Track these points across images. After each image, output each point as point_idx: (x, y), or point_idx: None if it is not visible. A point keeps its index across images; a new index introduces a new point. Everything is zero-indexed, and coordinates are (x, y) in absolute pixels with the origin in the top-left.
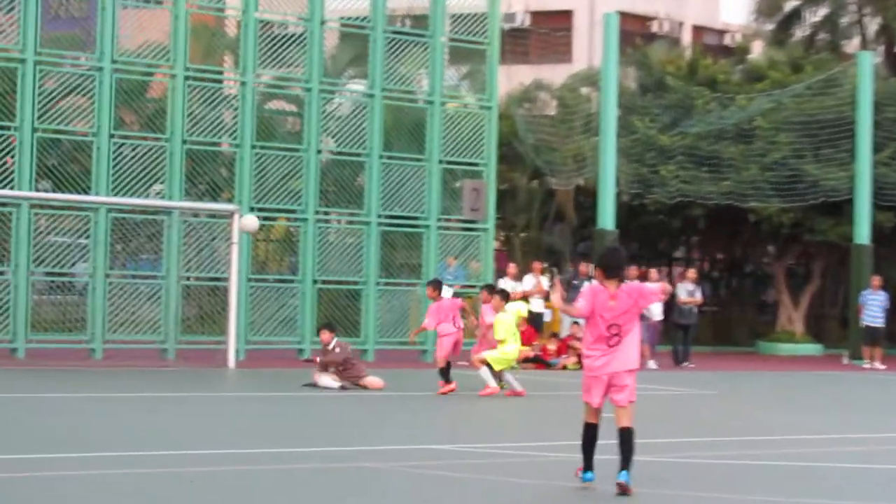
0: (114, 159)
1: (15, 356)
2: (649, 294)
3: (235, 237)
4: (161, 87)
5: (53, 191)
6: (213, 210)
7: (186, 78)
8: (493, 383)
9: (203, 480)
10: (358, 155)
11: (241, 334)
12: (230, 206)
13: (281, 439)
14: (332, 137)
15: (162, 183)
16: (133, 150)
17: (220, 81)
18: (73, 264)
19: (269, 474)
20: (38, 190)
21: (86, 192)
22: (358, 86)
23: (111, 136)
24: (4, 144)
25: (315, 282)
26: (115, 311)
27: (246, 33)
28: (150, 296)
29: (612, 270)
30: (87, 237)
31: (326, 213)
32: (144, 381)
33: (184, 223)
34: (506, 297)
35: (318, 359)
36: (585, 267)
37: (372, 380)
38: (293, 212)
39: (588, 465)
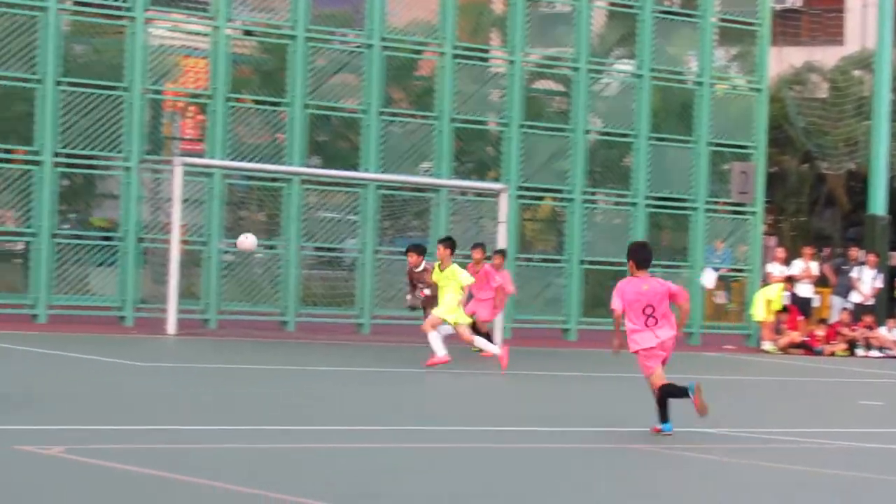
0: (382, 137)
1: (285, 329)
2: (674, 292)
3: (503, 216)
4: (429, 65)
5: (323, 167)
6: (481, 189)
7: (455, 56)
8: (441, 352)
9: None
10: (625, 136)
11: (508, 313)
12: (497, 185)
13: (545, 417)
14: (599, 118)
15: (430, 161)
16: (402, 127)
17: (487, 60)
18: (343, 240)
19: (534, 452)
20: (308, 166)
21: (355, 169)
22: (626, 66)
23: (380, 113)
24: (276, 121)
25: (581, 262)
26: (382, 286)
27: (514, 11)
28: None
29: (643, 262)
30: (357, 213)
31: (593, 194)
32: (412, 356)
33: (451, 201)
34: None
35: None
36: (856, 252)
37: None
38: (559, 192)
39: (665, 418)
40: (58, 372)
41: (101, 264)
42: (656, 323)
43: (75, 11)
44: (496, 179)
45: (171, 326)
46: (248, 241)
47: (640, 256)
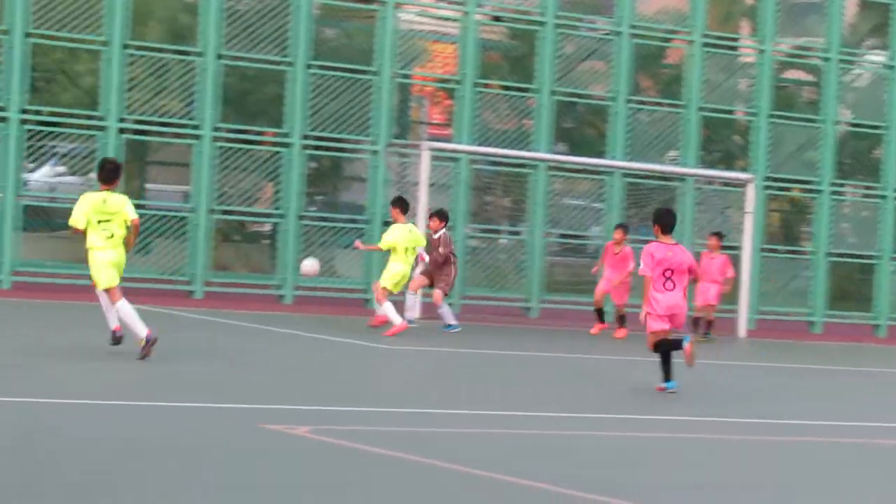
0: (629, 124)
1: (528, 315)
2: (693, 267)
3: (750, 206)
4: (678, 53)
5: (569, 154)
6: (727, 178)
7: (704, 45)
8: (397, 319)
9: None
10: (876, 128)
11: (753, 304)
12: (744, 175)
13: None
14: (849, 109)
15: (676, 149)
16: (649, 115)
17: (736, 49)
18: (587, 227)
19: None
20: (554, 152)
21: (601, 157)
22: (878, 57)
23: (627, 101)
24: (523, 107)
25: (828, 254)
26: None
27: (765, 0)
28: None
29: (668, 227)
30: (602, 201)
31: (841, 185)
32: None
33: (697, 190)
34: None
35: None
36: None
37: (438, 293)
38: (807, 183)
39: (669, 376)
40: (303, 353)
41: (346, 246)
42: (674, 287)
43: None
44: (743, 169)
45: (414, 311)
46: (311, 266)
47: (667, 221)
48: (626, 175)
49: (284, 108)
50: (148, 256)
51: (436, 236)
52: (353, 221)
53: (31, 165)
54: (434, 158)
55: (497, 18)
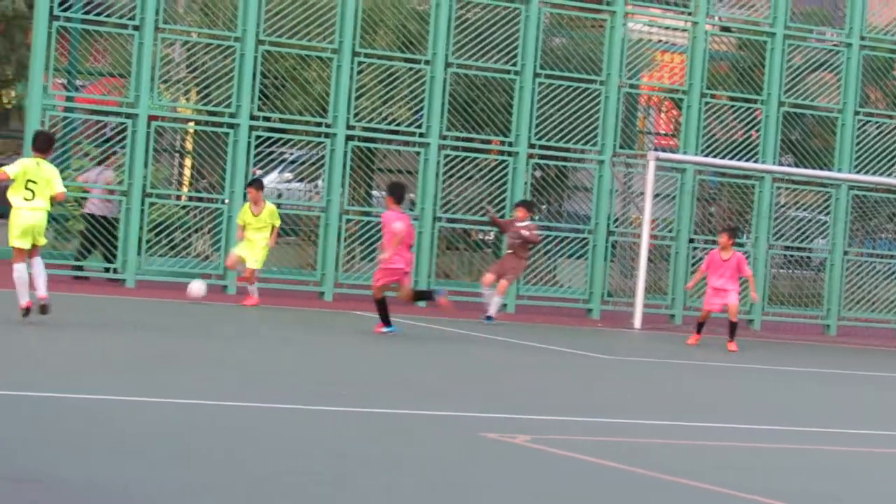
0: (857, 136)
1: (750, 327)
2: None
3: None
4: None
5: (796, 165)
6: None
7: None
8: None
9: None
10: None
11: None
12: None
13: None
14: None
15: None
16: (878, 128)
17: None
18: (812, 240)
19: None
20: (780, 164)
21: (828, 169)
22: None
23: (856, 112)
24: (751, 118)
25: None
26: (851, 288)
27: None
28: (888, 275)
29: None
30: (828, 213)
31: None
32: (877, 360)
33: None
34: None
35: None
36: None
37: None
38: None
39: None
40: (523, 361)
41: (570, 256)
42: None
43: (555, 4)
44: None
45: (637, 321)
46: (198, 289)
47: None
48: (852, 188)
49: (511, 117)
50: (373, 264)
51: (520, 225)
52: (577, 231)
53: (259, 172)
54: (659, 168)
55: (726, 29)
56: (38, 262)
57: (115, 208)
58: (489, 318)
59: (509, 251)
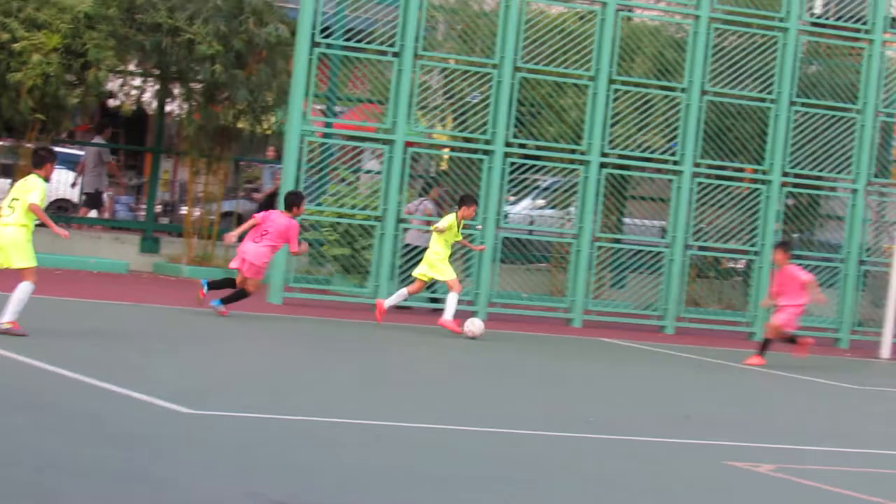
0: None
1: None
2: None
3: None
4: None
5: None
6: None
7: None
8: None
9: None
10: None
11: None
12: None
13: None
14: None
15: None
16: None
17: None
18: None
19: None
20: None
21: None
22: None
23: None
24: None
25: None
26: None
27: None
28: None
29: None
30: None
31: None
32: None
33: None
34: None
35: None
36: None
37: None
38: None
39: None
40: (767, 391)
41: (821, 285)
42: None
43: (814, 32)
44: None
45: (886, 350)
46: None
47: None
48: None
49: (765, 145)
50: (622, 291)
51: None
52: (828, 260)
53: (513, 198)
54: None
55: None
56: (18, 287)
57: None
58: None
59: None
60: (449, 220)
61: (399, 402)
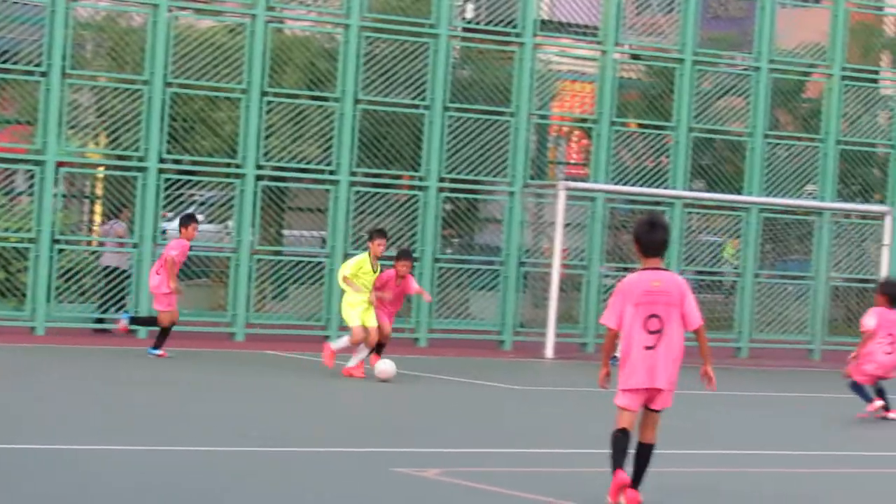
0: (767, 159)
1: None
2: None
3: (887, 239)
4: (817, 87)
5: (707, 190)
6: (865, 211)
7: (843, 78)
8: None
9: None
10: None
11: None
12: (882, 208)
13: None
14: None
15: (814, 184)
16: (787, 150)
17: (876, 81)
18: (723, 263)
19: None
20: (691, 189)
21: (738, 192)
22: None
23: (765, 136)
24: (660, 145)
25: None
26: (762, 310)
27: None
28: (798, 296)
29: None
30: (738, 237)
31: None
32: (790, 382)
33: (834, 224)
34: None
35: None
36: None
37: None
38: None
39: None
40: (435, 395)
41: (482, 288)
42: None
43: (465, 38)
44: (881, 202)
45: (549, 350)
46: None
47: (651, 238)
48: (762, 210)
49: (421, 152)
50: (284, 303)
51: None
52: (489, 263)
53: (170, 214)
54: (570, 198)
55: (636, 57)
56: None
57: (128, 260)
58: None
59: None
60: (351, 265)
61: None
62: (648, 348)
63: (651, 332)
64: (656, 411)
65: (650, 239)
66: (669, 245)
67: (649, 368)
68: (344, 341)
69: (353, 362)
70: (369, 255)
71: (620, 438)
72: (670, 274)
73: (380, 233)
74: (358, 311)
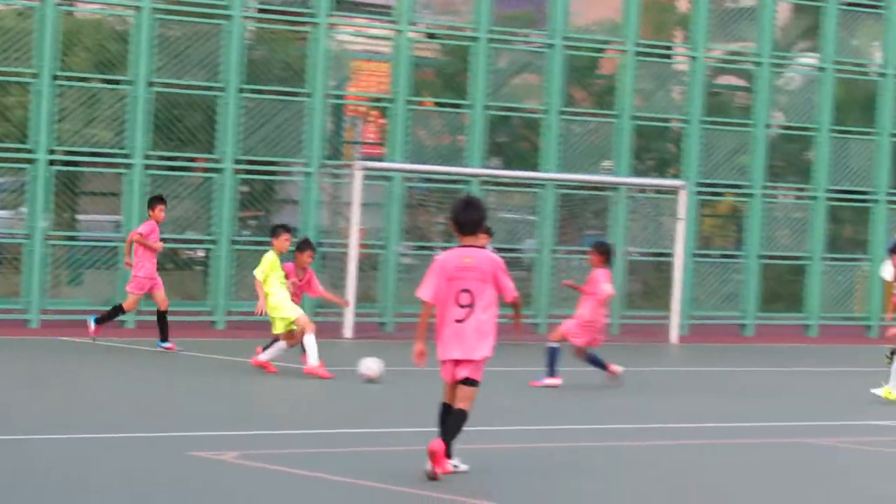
0: (562, 136)
1: None
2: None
3: (682, 213)
4: (611, 63)
5: (503, 168)
6: (660, 186)
7: (637, 54)
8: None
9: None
10: (807, 129)
11: (684, 309)
12: (676, 182)
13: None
14: (781, 112)
15: (610, 159)
16: (582, 126)
17: (669, 57)
18: (521, 240)
19: (720, 449)
20: (488, 167)
21: (534, 169)
22: (809, 59)
23: (561, 113)
24: (457, 123)
25: (760, 257)
26: (559, 286)
27: (697, 8)
28: None
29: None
30: (535, 213)
31: (773, 188)
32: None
33: (630, 199)
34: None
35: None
36: None
37: None
38: (739, 187)
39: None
40: (234, 378)
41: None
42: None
43: (259, 19)
44: (676, 176)
45: (349, 331)
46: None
47: (466, 217)
48: (559, 186)
49: (216, 134)
50: (79, 287)
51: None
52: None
53: None
54: (367, 178)
55: (431, 35)
56: None
57: None
58: None
59: None
60: (263, 268)
61: None
62: (459, 321)
63: (462, 306)
64: (465, 383)
65: (465, 218)
66: (484, 223)
67: (459, 341)
68: (276, 349)
69: (313, 361)
70: (274, 251)
71: (441, 411)
72: (485, 251)
73: (283, 228)
74: (289, 303)
